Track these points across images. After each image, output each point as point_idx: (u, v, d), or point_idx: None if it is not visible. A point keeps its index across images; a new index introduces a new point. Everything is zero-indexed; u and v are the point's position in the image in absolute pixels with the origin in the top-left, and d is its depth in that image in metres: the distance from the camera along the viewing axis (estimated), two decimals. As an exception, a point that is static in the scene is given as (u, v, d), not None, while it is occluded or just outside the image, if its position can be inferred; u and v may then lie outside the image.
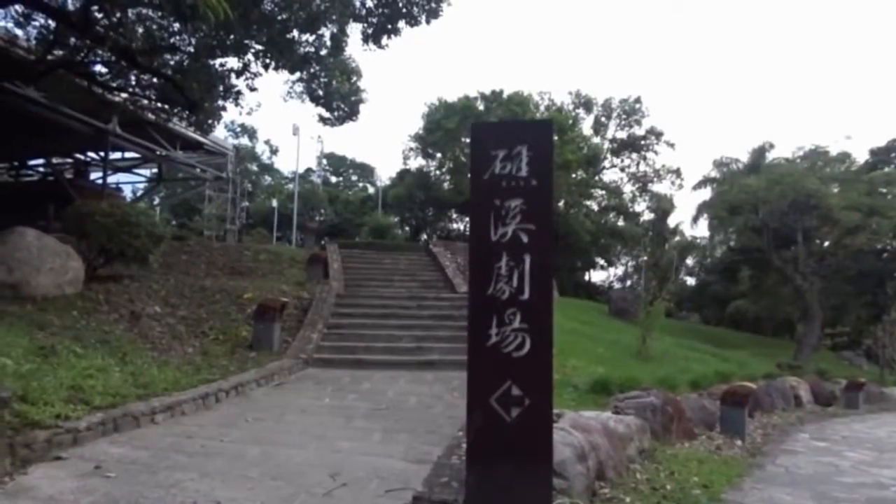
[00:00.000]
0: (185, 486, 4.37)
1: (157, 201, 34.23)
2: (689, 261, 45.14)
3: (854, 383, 16.73)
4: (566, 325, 15.15)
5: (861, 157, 34.28)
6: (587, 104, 42.57)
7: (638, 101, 42.02)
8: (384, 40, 13.24)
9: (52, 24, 11.91)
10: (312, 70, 14.10)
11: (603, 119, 42.84)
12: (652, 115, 51.70)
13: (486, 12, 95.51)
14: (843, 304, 31.83)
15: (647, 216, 44.54)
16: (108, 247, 10.99)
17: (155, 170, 23.88)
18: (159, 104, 14.45)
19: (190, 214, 36.41)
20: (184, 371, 8.01)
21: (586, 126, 42.32)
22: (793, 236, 28.68)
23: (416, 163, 41.39)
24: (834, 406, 15.57)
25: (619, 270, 47.41)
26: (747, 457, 7.84)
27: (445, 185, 39.46)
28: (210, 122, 15.69)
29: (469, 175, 3.91)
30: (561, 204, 36.16)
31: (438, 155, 39.27)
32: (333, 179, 60.14)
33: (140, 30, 11.92)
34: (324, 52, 13.61)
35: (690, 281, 47.08)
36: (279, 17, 11.84)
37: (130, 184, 27.17)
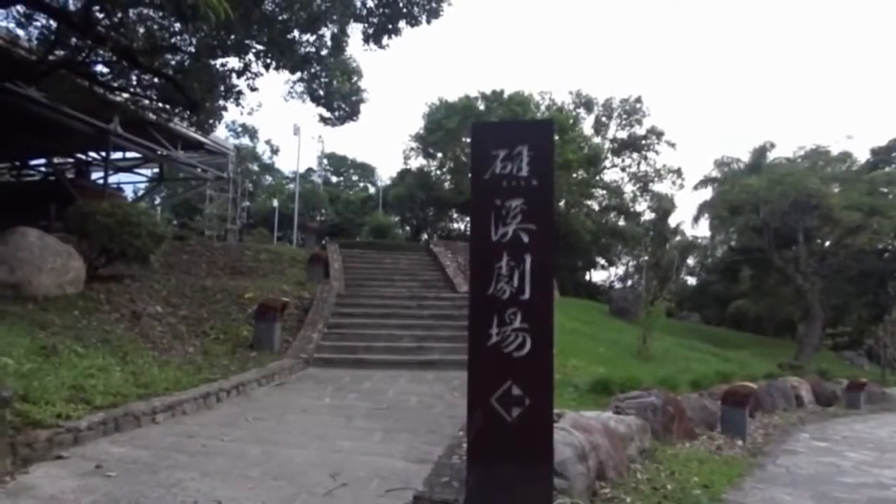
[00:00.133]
0: (186, 485, 4.37)
1: (158, 201, 34.26)
2: (690, 261, 45.06)
3: (855, 383, 16.71)
4: (567, 324, 15.15)
5: (862, 156, 34.32)
6: (588, 104, 42.57)
7: (639, 100, 42.07)
8: (385, 40, 13.25)
9: (53, 24, 11.93)
10: (313, 70, 14.11)
11: (604, 119, 42.85)
12: (653, 115, 51.76)
13: (486, 12, 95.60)
14: (845, 304, 31.79)
15: (648, 216, 44.55)
16: (109, 246, 11.00)
17: (156, 170, 23.91)
18: (160, 104, 14.46)
19: (191, 214, 36.44)
20: (185, 371, 8.02)
21: (587, 126, 42.38)
22: (794, 236, 28.65)
23: (416, 162, 41.47)
24: (835, 406, 15.55)
25: (620, 270, 47.40)
26: (748, 457, 7.82)
27: (446, 184, 39.46)
28: (211, 121, 15.70)
29: (470, 175, 3.91)
30: (562, 204, 36.17)
31: (439, 155, 39.28)
32: (334, 179, 60.17)
33: (141, 30, 11.93)
34: (324, 52, 13.62)
35: (691, 281, 47.03)
36: (280, 18, 11.85)
37: (131, 184, 27.23)
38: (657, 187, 43.74)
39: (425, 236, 39.56)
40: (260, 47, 12.51)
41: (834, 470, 7.24)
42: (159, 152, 19.46)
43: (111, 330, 8.97)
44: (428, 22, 13.00)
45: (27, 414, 4.89)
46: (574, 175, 35.86)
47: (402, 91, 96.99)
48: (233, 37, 11.77)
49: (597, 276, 47.25)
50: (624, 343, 15.58)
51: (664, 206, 43.14)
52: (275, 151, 58.04)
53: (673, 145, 42.88)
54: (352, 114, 15.95)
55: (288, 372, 9.28)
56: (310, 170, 55.85)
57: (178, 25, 11.74)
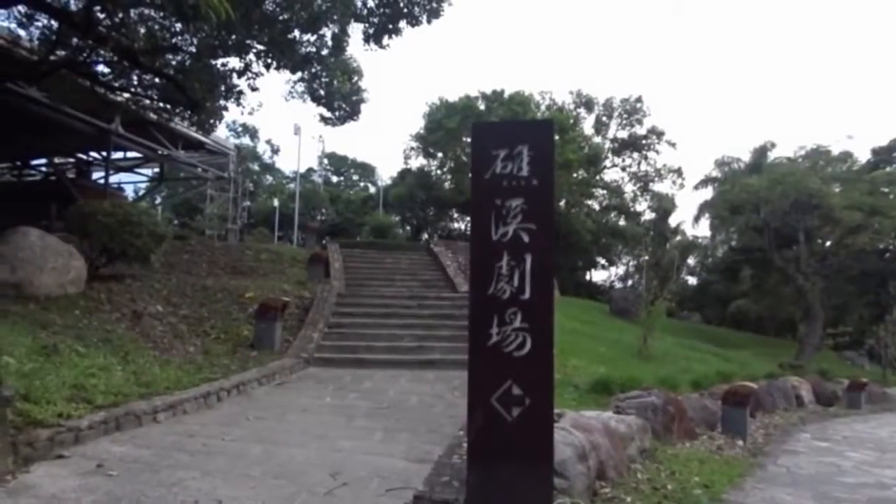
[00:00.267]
0: (187, 484, 4.38)
1: (158, 201, 34.27)
2: (691, 260, 45.04)
3: (856, 383, 16.70)
4: (567, 324, 15.15)
5: (863, 156, 34.28)
6: (588, 104, 42.53)
7: (639, 100, 42.02)
8: (385, 40, 13.25)
9: (54, 24, 11.94)
10: (314, 70, 14.11)
11: (604, 118, 42.81)
12: (653, 115, 51.57)
13: (486, 12, 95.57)
14: (846, 303, 31.75)
15: (649, 216, 44.50)
16: (110, 246, 11.02)
17: (157, 169, 23.94)
18: (161, 104, 14.47)
19: (191, 214, 36.46)
20: (185, 370, 8.03)
21: (587, 125, 42.34)
22: (794, 236, 28.63)
23: (417, 162, 41.45)
24: (836, 406, 15.53)
25: (621, 270, 47.38)
26: (749, 457, 7.83)
27: (446, 184, 39.46)
28: (212, 121, 15.71)
29: (470, 174, 3.91)
30: (562, 203, 36.17)
31: (439, 154, 39.27)
32: (335, 179, 60.16)
33: (142, 30, 11.94)
34: (325, 51, 13.63)
35: (692, 280, 47.00)
36: (281, 17, 11.86)
37: (132, 183, 27.28)
38: (657, 187, 43.77)
39: (426, 236, 39.56)
40: (261, 47, 12.53)
41: (834, 470, 7.24)
42: (160, 152, 19.48)
43: (112, 329, 8.98)
44: (428, 22, 13.01)
45: (28, 413, 4.90)
46: (574, 175, 35.85)
47: (402, 91, 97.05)
48: (234, 37, 11.78)
49: (597, 275, 47.30)
50: (624, 343, 15.58)
51: (664, 206, 43.11)
52: (275, 151, 58.14)
53: (673, 145, 42.85)
54: (352, 113, 15.95)
55: (288, 371, 9.29)
56: (310, 169, 55.90)
57: (179, 25, 11.75)
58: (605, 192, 43.06)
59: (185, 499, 4.11)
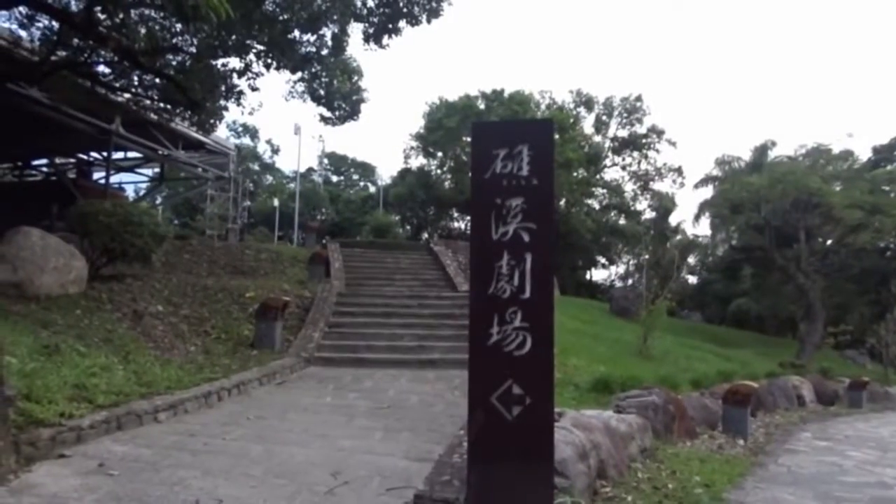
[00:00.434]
0: (188, 483, 4.39)
1: (159, 201, 34.27)
2: (691, 259, 44.95)
3: (857, 382, 16.68)
4: (568, 324, 15.16)
5: (864, 154, 34.25)
6: (588, 103, 42.50)
7: (639, 99, 41.97)
8: (385, 40, 13.27)
9: (55, 25, 11.96)
10: (314, 70, 14.13)
11: (604, 117, 42.78)
12: (653, 114, 51.77)
13: (486, 11, 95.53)
14: (846, 302, 31.69)
15: (649, 215, 44.50)
16: (110, 246, 11.03)
17: (157, 169, 23.94)
18: (161, 104, 14.49)
19: (192, 214, 36.48)
20: (186, 370, 8.04)
21: (587, 125, 42.31)
22: (795, 234, 28.60)
23: (417, 162, 41.50)
24: (837, 405, 15.52)
25: (621, 269, 47.43)
26: (749, 456, 7.82)
27: (446, 183, 39.49)
28: (212, 121, 15.73)
29: (470, 174, 3.91)
30: (562, 203, 36.16)
31: (439, 154, 39.31)
32: (335, 179, 60.17)
33: (142, 30, 11.95)
34: (325, 51, 13.65)
35: (692, 279, 46.98)
36: (281, 18, 11.87)
37: (133, 183, 27.33)
38: (658, 186, 43.71)
39: (426, 235, 39.58)
40: (261, 47, 12.54)
41: (836, 469, 7.23)
42: (160, 152, 19.50)
43: (113, 329, 9.00)
44: (428, 21, 13.02)
45: (30, 413, 4.90)
46: (574, 174, 35.84)
47: (402, 90, 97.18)
48: (234, 37, 11.80)
49: (597, 275, 47.33)
50: (625, 342, 15.58)
51: (665, 205, 43.10)
52: (275, 151, 58.13)
53: (673, 144, 42.77)
54: (352, 113, 15.97)
55: (289, 371, 9.30)
56: (310, 169, 55.93)
57: (179, 26, 11.77)
58: (605, 191, 43.04)
59: (187, 498, 4.12)
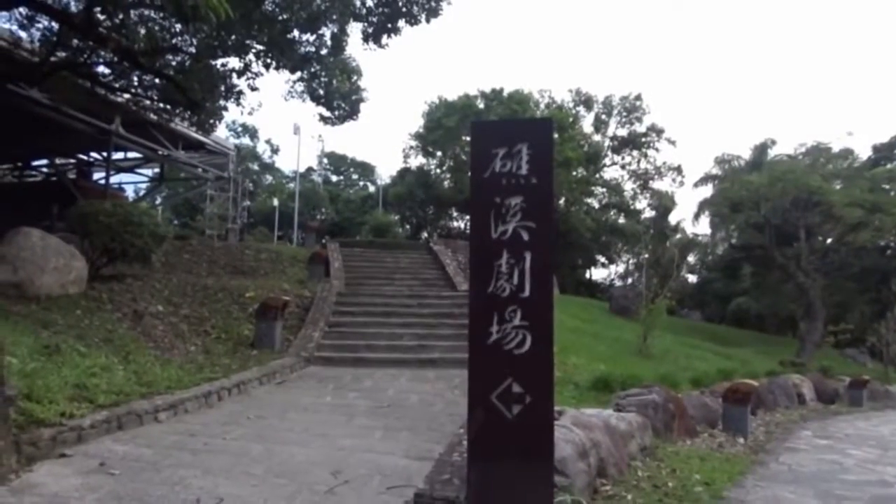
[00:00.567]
0: (189, 483, 4.40)
1: (159, 201, 34.29)
2: (691, 258, 44.92)
3: (858, 381, 16.67)
4: (568, 322, 15.17)
5: (864, 153, 34.22)
6: (587, 102, 42.48)
7: (638, 98, 41.93)
8: (384, 39, 13.28)
9: (55, 26, 11.97)
10: (313, 69, 14.13)
11: (603, 116, 42.75)
12: (653, 113, 51.63)
13: (486, 11, 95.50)
14: (847, 301, 31.68)
15: (648, 213, 44.42)
16: (111, 246, 11.04)
17: (157, 170, 23.97)
18: (161, 104, 14.50)
19: (192, 214, 36.49)
20: (186, 369, 8.05)
21: (587, 124, 42.27)
22: (795, 233, 28.59)
23: (416, 161, 41.50)
24: (837, 404, 15.51)
25: (621, 268, 47.39)
26: (750, 454, 7.82)
27: (446, 183, 39.49)
28: (211, 121, 15.75)
29: (469, 173, 3.92)
30: (562, 202, 36.15)
31: (439, 153, 39.31)
32: (334, 178, 60.18)
33: (142, 31, 11.96)
34: (324, 51, 13.65)
35: (692, 278, 46.95)
36: (280, 17, 11.88)
37: (133, 184, 27.35)
38: (657, 185, 43.66)
39: (425, 235, 39.59)
40: (260, 47, 12.55)
41: (836, 467, 7.23)
42: (160, 152, 19.51)
43: (113, 329, 9.01)
44: (427, 21, 13.03)
45: (31, 412, 4.91)
46: (574, 173, 35.83)
47: (401, 90, 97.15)
48: (233, 37, 11.81)
49: (597, 273, 47.30)
50: (624, 341, 15.59)
51: (664, 204, 43.06)
52: (275, 151, 58.11)
53: (673, 143, 42.72)
54: (352, 113, 15.98)
55: (289, 370, 9.31)
56: (310, 169, 55.94)
57: (178, 26, 11.78)
58: (604, 190, 43.01)
59: (187, 497, 4.13)
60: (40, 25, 12.37)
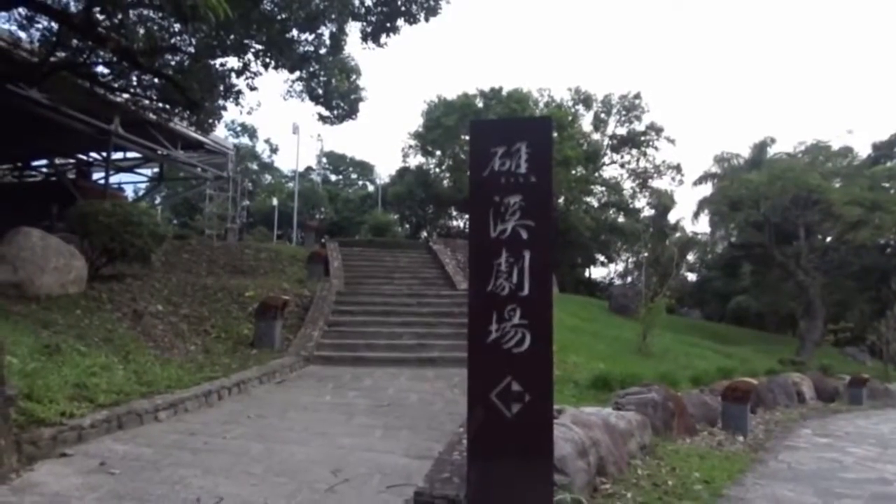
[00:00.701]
0: (189, 482, 4.41)
1: (158, 201, 34.29)
2: (690, 257, 44.96)
3: (857, 379, 16.67)
4: (567, 321, 15.17)
5: (863, 151, 34.24)
6: (587, 100, 42.44)
7: (638, 96, 41.87)
8: (383, 39, 13.27)
9: (54, 26, 11.98)
10: (312, 69, 14.14)
11: (602, 115, 42.70)
12: (652, 111, 51.44)
13: (485, 10, 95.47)
14: (847, 299, 31.68)
15: (648, 212, 44.41)
16: (110, 246, 11.05)
17: (156, 169, 23.99)
18: (160, 104, 14.51)
19: (191, 213, 36.46)
20: (186, 369, 8.05)
21: (586, 122, 42.21)
22: (794, 232, 28.60)
23: (415, 160, 41.51)
24: (837, 402, 15.52)
25: (620, 267, 47.36)
26: (749, 452, 7.82)
27: (445, 182, 39.50)
28: (210, 121, 15.75)
29: (468, 172, 3.92)
30: (561, 200, 36.13)
31: (438, 152, 39.31)
32: (333, 178, 60.17)
33: (141, 31, 11.98)
34: (323, 50, 13.65)
35: (691, 277, 46.98)
36: (279, 17, 11.88)
37: (132, 183, 27.37)
38: (656, 183, 43.60)
39: (425, 234, 39.61)
40: (259, 47, 12.55)
41: (836, 466, 7.23)
42: (159, 152, 19.52)
43: (113, 329, 9.02)
44: (426, 20, 13.02)
45: (32, 412, 4.92)
46: (573, 171, 35.80)
47: (400, 89, 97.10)
48: (232, 37, 11.81)
49: (596, 272, 47.26)
50: (624, 340, 15.60)
51: (664, 203, 43.04)
52: (274, 150, 58.13)
53: (672, 141, 42.71)
54: (350, 112, 15.98)
55: (289, 370, 9.31)
56: (309, 168, 55.92)
57: (177, 26, 11.79)
58: (603, 188, 42.96)
59: (188, 496, 4.14)
60: (40, 25, 12.39)
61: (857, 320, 30.55)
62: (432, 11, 12.92)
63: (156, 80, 13.31)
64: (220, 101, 14.23)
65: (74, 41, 12.08)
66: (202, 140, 20.56)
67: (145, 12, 11.88)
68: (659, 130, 41.96)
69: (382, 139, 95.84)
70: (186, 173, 24.05)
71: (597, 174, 41.61)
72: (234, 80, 13.51)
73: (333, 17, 12.26)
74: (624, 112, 42.37)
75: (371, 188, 53.37)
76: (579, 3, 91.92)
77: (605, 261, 45.61)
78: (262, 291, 12.38)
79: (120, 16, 11.21)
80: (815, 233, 29.41)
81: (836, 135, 68.28)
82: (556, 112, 36.30)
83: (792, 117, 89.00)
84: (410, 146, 40.81)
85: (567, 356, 10.86)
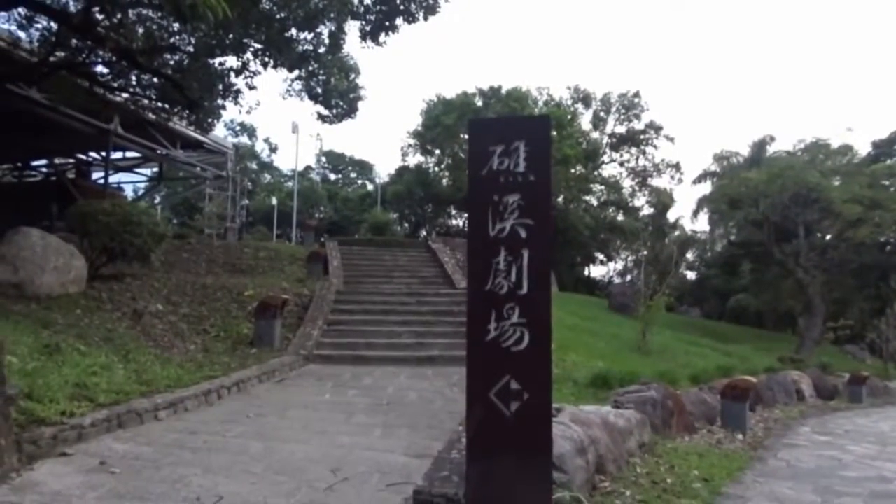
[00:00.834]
0: (189, 481, 4.42)
1: (157, 200, 34.30)
2: (690, 255, 45.03)
3: (857, 377, 16.68)
4: (566, 320, 15.18)
5: (863, 149, 34.23)
6: (586, 99, 42.44)
7: (637, 95, 41.87)
8: (382, 37, 13.26)
9: (54, 26, 11.99)
10: (311, 68, 14.14)
11: (602, 114, 42.70)
12: (651, 110, 51.30)
13: (484, 8, 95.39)
14: (846, 297, 31.64)
15: (647, 211, 44.45)
16: (110, 246, 11.06)
17: (156, 169, 24.00)
18: (160, 104, 14.51)
19: (190, 213, 36.43)
20: (186, 368, 8.06)
21: (585, 121, 42.21)
22: (794, 230, 28.59)
23: (414, 159, 41.53)
24: (836, 400, 15.53)
25: (619, 265, 47.43)
26: (748, 450, 7.83)
27: (444, 181, 39.52)
28: (210, 120, 15.76)
29: (467, 171, 3.93)
30: (560, 199, 36.16)
31: (437, 151, 39.33)
32: (332, 177, 60.17)
33: (140, 30, 11.99)
34: (322, 49, 13.66)
35: (691, 275, 47.03)
36: (278, 16, 11.89)
37: (132, 183, 27.38)
38: (656, 182, 43.65)
39: (424, 233, 39.63)
40: (258, 46, 12.56)
41: (835, 463, 7.24)
42: (159, 151, 19.53)
43: (113, 328, 9.03)
44: (425, 19, 13.02)
45: (32, 412, 4.94)
46: (572, 170, 35.81)
47: (399, 88, 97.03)
48: (231, 36, 11.81)
49: (596, 271, 47.32)
50: (623, 338, 15.61)
51: (663, 201, 43.05)
52: (273, 149, 58.08)
53: (672, 139, 42.64)
54: (350, 111, 15.99)
55: (288, 368, 9.32)
56: (308, 167, 55.97)
57: (176, 25, 11.80)
58: (603, 187, 42.98)
59: (188, 495, 4.15)
60: (39, 25, 12.40)
61: (857, 318, 30.52)
62: (431, 10, 12.92)
63: (155, 79, 13.32)
64: (220, 101, 14.23)
65: (74, 41, 12.08)
66: (201, 139, 20.57)
67: (144, 12, 11.88)
68: (658, 129, 42.00)
69: (382, 138, 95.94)
70: (186, 173, 24.05)
71: (596, 173, 41.63)
72: (233, 79, 13.52)
73: (332, 15, 12.27)
74: (623, 110, 42.38)
75: (370, 187, 53.38)
76: (579, 1, 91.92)
77: (605, 259, 45.69)
78: (262, 290, 12.39)
79: (119, 15, 11.22)
80: (814, 231, 29.42)
81: (835, 133, 68.16)
82: (555, 111, 36.28)
83: (791, 115, 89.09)
84: (409, 145, 40.88)
85: (566, 354, 10.87)
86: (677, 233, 43.34)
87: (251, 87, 13.79)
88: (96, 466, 4.61)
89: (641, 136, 42.15)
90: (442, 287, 15.07)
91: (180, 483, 4.36)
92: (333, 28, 13.12)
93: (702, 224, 40.05)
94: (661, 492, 4.94)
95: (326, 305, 12.43)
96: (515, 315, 3.58)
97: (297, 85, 14.90)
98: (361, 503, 4.21)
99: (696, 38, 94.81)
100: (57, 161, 21.98)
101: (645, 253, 35.93)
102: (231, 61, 13.24)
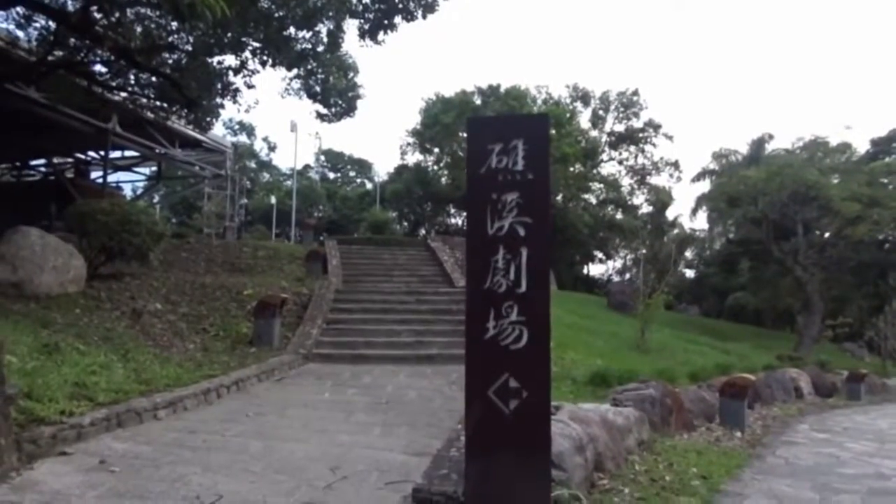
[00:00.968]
0: (189, 480, 4.42)
1: (156, 199, 34.22)
2: (688, 253, 45.05)
3: (856, 374, 16.71)
4: (565, 318, 15.18)
5: (862, 147, 34.26)
6: (585, 97, 42.45)
7: (636, 93, 41.90)
8: (381, 36, 13.25)
9: (52, 25, 11.97)
10: (309, 66, 14.13)
11: (601, 112, 42.73)
12: (650, 108, 51.59)
13: (483, 7, 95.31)
14: (845, 295, 31.70)
15: (646, 209, 44.50)
16: (109, 245, 11.05)
17: (154, 168, 23.96)
18: (158, 103, 14.50)
19: (189, 212, 36.47)
20: (185, 367, 8.06)
21: (584, 119, 42.25)
22: (793, 228, 28.62)
23: (413, 158, 41.53)
24: (835, 397, 15.55)
25: (618, 263, 47.48)
26: (747, 448, 7.83)
27: (443, 179, 39.52)
28: (208, 119, 15.74)
29: (466, 169, 3.93)
30: (559, 197, 36.16)
31: (436, 150, 39.32)
32: (331, 175, 60.14)
33: (139, 29, 11.97)
34: (321, 48, 13.64)
35: (689, 273, 47.10)
36: (276, 15, 11.87)
37: (130, 182, 27.30)
38: (655, 180, 43.72)
39: (423, 231, 39.63)
40: (256, 45, 12.55)
41: (834, 461, 7.24)
42: (157, 151, 19.51)
43: (112, 327, 9.02)
44: (424, 17, 13.01)
45: (32, 411, 4.94)
46: (571, 169, 35.82)
47: (398, 86, 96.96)
48: (229, 35, 11.80)
49: (595, 269, 47.36)
50: (622, 336, 15.62)
51: (662, 199, 43.09)
52: (272, 148, 58.14)
53: (670, 138, 42.73)
54: (348, 110, 15.98)
55: (287, 367, 9.33)
56: (307, 166, 55.95)
57: (175, 24, 11.79)
58: (601, 185, 42.99)
59: (187, 494, 4.15)
60: (37, 25, 12.38)
61: (856, 316, 30.57)
62: (430, 9, 12.90)
63: (153, 78, 13.31)
64: (218, 99, 14.22)
65: (72, 40, 12.07)
66: (200, 138, 20.55)
67: (143, 11, 11.87)
68: (657, 127, 42.05)
69: (381, 137, 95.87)
70: (184, 172, 24.03)
71: (595, 171, 41.65)
72: (231, 78, 13.51)
73: (331, 14, 12.26)
74: (622, 109, 42.40)
75: (369, 186, 53.37)
76: (578, 0, 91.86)
77: (604, 258, 45.74)
78: (261, 290, 12.38)
79: (117, 14, 11.21)
80: (813, 229, 29.45)
81: (834, 131, 68.34)
82: (553, 109, 36.28)
83: (790, 114, 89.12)
84: (408, 144, 40.88)
85: (565, 353, 10.87)
86: (676, 231, 43.37)
87: (250, 86, 13.79)
88: (96, 465, 4.61)
89: (640, 135, 42.18)
90: (441, 285, 15.07)
91: (180, 482, 4.37)
92: (332, 26, 13.11)
93: (700, 222, 40.25)
94: (659, 489, 4.95)
95: (325, 304, 12.43)
96: (514, 313, 3.59)
97: (296, 83, 14.90)
98: (361, 501, 4.21)
99: (695, 37, 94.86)
100: (55, 160, 21.96)
101: (644, 251, 36.02)
102: (229, 60, 13.25)
